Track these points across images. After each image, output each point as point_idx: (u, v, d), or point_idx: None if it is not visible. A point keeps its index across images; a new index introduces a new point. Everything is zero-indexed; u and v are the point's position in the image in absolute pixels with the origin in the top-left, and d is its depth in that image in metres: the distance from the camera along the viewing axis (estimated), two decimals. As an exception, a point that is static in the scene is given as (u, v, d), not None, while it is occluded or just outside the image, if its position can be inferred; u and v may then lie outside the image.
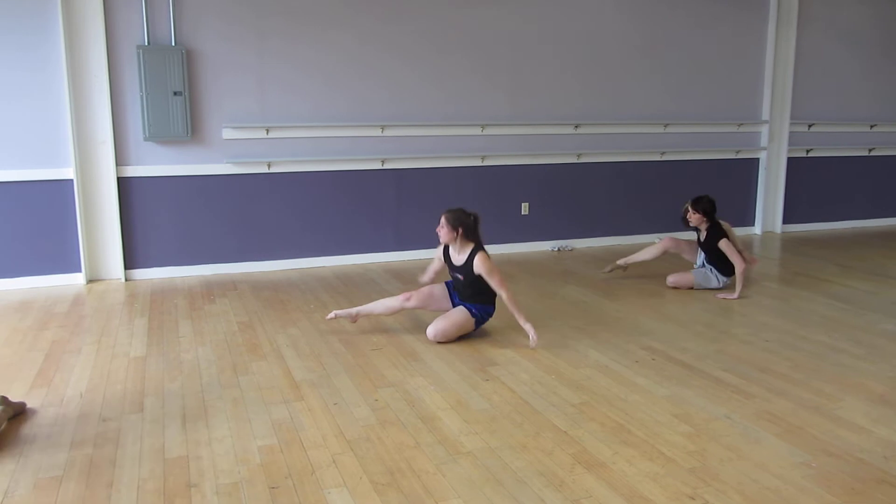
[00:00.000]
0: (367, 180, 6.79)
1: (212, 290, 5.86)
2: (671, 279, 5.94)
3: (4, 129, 5.70)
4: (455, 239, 4.59)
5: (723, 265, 5.79)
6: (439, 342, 4.54)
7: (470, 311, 4.56)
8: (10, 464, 3.02)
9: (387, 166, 6.82)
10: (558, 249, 7.50)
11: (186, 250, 6.32)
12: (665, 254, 6.12)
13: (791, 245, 7.88)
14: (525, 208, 7.39)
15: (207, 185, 6.30)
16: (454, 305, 4.72)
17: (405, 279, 6.20)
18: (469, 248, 4.55)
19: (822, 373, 4.08)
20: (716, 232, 5.75)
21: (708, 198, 5.82)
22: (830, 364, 4.22)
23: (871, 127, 8.86)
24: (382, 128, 6.71)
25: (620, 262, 6.22)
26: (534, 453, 3.14)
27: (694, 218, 5.82)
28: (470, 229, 4.57)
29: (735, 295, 5.60)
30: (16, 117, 5.71)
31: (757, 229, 8.50)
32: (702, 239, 5.89)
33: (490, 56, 7.00)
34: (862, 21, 8.59)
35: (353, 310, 4.75)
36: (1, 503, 2.75)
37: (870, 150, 8.92)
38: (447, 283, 4.81)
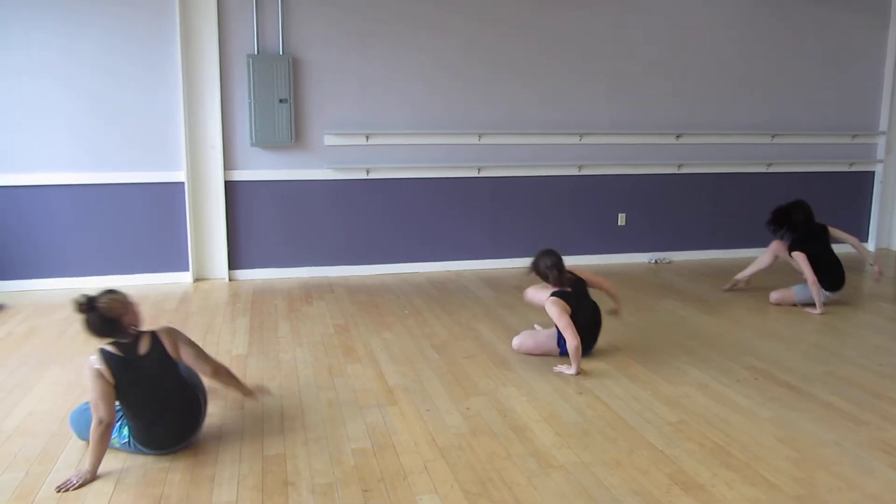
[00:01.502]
0: (463, 188, 6.82)
1: (309, 293, 6.02)
2: (774, 296, 5.70)
3: (123, 133, 6.03)
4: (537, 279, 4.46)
5: (828, 277, 5.51)
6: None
7: (558, 340, 4.43)
8: (118, 455, 3.18)
9: (483, 174, 6.83)
10: (655, 262, 7.32)
11: (286, 252, 6.52)
12: (777, 259, 5.86)
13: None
14: (622, 219, 7.25)
15: (308, 190, 6.48)
16: None
17: (498, 287, 6.19)
18: (548, 290, 4.39)
19: (944, 402, 3.81)
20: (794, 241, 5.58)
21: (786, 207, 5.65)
22: (953, 393, 3.94)
23: None
24: (479, 135, 6.73)
25: (739, 276, 6.06)
26: (628, 471, 3.07)
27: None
28: (540, 273, 4.40)
29: (818, 311, 5.38)
30: (134, 122, 6.04)
31: (871, 246, 8.04)
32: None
33: (589, 63, 6.91)
34: None
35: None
36: (112, 492, 2.90)
37: None
38: None
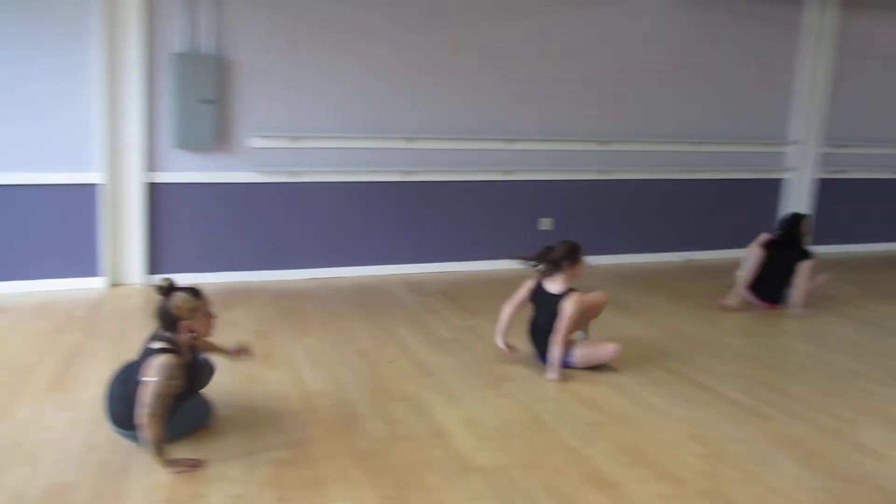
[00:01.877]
0: (391, 192, 6.81)
1: (231, 298, 5.89)
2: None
3: (36, 132, 5.76)
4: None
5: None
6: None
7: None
8: (23, 469, 3.05)
9: (411, 178, 6.84)
10: (580, 265, 7.44)
11: (208, 257, 6.38)
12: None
13: (818, 267, 7.74)
14: (546, 223, 7.36)
15: (233, 193, 6.35)
16: None
17: (423, 292, 6.20)
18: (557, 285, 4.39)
19: (842, 396, 4.01)
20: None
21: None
22: (850, 388, 4.14)
23: (904, 148, 8.71)
24: (408, 140, 6.74)
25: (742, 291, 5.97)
26: (545, 472, 3.12)
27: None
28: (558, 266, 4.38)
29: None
30: (48, 120, 5.78)
31: (783, 249, 8.37)
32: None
33: (519, 71, 6.99)
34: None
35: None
36: (12, 505, 2.78)
37: (903, 173, 8.77)
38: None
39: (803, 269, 5.74)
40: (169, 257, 6.26)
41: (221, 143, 6.22)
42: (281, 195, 6.49)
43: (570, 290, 4.31)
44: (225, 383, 4.03)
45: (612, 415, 3.71)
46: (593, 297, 4.46)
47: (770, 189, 8.26)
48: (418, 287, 6.38)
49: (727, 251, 8.05)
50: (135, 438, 3.13)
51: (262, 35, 6.19)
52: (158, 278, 3.30)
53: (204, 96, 5.98)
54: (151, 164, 6.09)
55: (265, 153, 6.38)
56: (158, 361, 3.07)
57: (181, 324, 3.21)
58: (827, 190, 8.40)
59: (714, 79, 7.73)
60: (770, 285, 5.82)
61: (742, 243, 8.16)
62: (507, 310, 4.51)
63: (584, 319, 4.42)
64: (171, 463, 3.04)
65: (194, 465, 3.08)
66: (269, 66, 6.25)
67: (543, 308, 4.34)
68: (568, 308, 4.17)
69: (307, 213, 6.58)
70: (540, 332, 4.35)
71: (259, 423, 3.54)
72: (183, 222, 6.26)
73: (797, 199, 8.31)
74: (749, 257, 5.95)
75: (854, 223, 8.70)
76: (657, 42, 7.43)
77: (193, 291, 3.27)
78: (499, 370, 4.33)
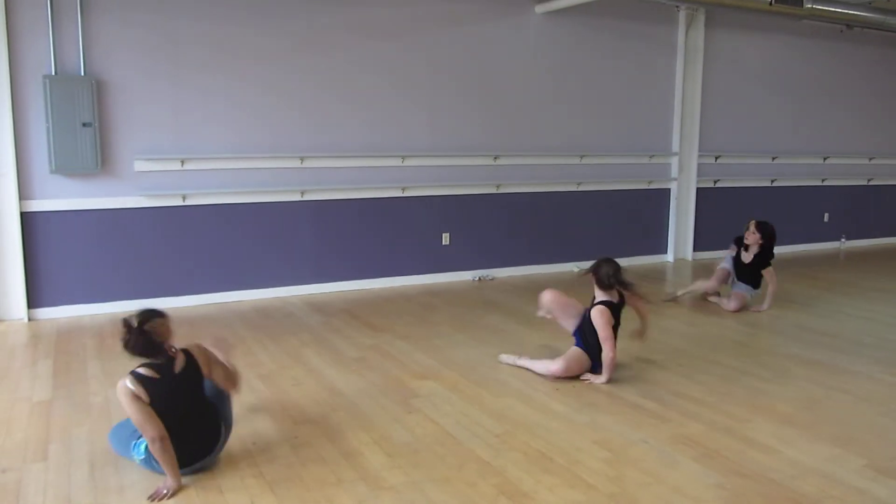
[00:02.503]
0: (287, 212, 6.70)
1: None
2: (733, 305, 6.26)
3: None
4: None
5: (754, 281, 6.43)
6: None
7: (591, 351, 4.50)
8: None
9: (306, 198, 6.75)
10: (479, 279, 7.56)
11: (96, 287, 6.07)
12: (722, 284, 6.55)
13: (701, 272, 8.17)
14: (446, 238, 7.44)
15: (119, 219, 6.09)
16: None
17: (326, 311, 6.12)
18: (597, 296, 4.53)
19: (734, 396, 4.23)
20: (767, 257, 6.40)
21: (772, 226, 6.47)
22: (741, 387, 4.38)
23: (773, 159, 9.34)
24: (302, 159, 6.66)
25: (680, 292, 6.75)
26: (457, 486, 3.13)
27: (752, 237, 6.40)
28: (600, 279, 4.48)
29: (765, 306, 6.26)
30: None
31: (669, 257, 8.79)
32: (746, 260, 6.44)
33: (410, 88, 7.06)
34: (764, 58, 9.09)
35: None
36: None
37: (772, 181, 9.39)
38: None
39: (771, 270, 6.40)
40: (52, 289, 5.94)
41: (104, 168, 5.96)
42: (171, 219, 6.27)
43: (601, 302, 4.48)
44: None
45: (520, 424, 3.78)
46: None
47: (657, 199, 8.67)
48: (321, 307, 6.30)
49: (621, 260, 8.34)
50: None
51: (142, 56, 6.00)
52: (122, 318, 3.17)
53: (81, 119, 5.72)
54: (26, 191, 5.77)
55: (151, 176, 6.15)
56: (118, 386, 3.06)
57: (165, 343, 3.20)
58: (706, 198, 8.90)
59: (601, 95, 8.06)
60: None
61: (632, 251, 8.60)
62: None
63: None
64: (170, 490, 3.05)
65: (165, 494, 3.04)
66: (152, 87, 6.06)
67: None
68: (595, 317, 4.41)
69: (200, 236, 6.38)
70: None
71: (160, 456, 3.39)
72: (67, 251, 5.95)
73: (683, 208, 8.75)
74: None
75: (731, 230, 9.22)
76: (543, 60, 7.68)
77: (154, 311, 3.23)
78: (407, 387, 4.32)
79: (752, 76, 9.05)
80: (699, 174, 8.77)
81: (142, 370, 3.10)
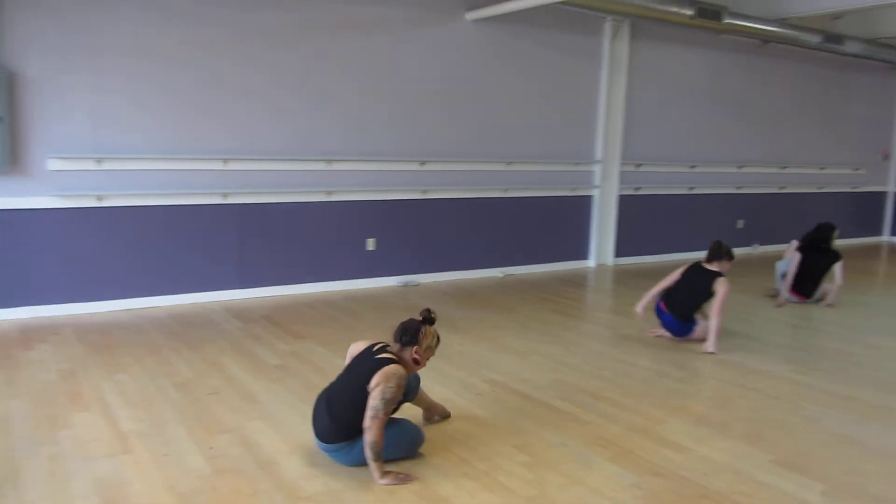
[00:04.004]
0: (208, 215, 6.53)
1: (29, 336, 5.38)
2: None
3: None
4: None
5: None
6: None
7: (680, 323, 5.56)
8: None
9: (229, 201, 6.60)
10: (405, 285, 7.54)
11: (2, 291, 5.78)
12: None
13: (622, 277, 8.37)
14: (371, 243, 7.39)
15: (28, 220, 5.81)
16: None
17: (246, 318, 5.99)
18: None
19: (650, 397, 4.33)
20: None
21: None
22: (657, 388, 4.49)
23: (692, 167, 9.64)
24: (225, 161, 6.50)
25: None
26: (376, 493, 3.10)
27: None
28: (729, 257, 5.55)
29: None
30: None
31: (591, 262, 8.96)
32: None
33: (337, 92, 6.99)
34: (685, 70, 9.38)
35: None
36: None
37: (690, 189, 9.69)
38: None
39: (838, 268, 6.91)
40: (-48, 294, 5.62)
41: (14, 166, 5.69)
42: (86, 221, 6.03)
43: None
44: (23, 430, 3.67)
45: (441, 430, 3.77)
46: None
47: (581, 205, 8.82)
48: (241, 313, 6.16)
49: (545, 265, 8.52)
50: (337, 454, 3.32)
51: (60, 49, 5.76)
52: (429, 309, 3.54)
53: (-10, 114, 5.45)
54: (-72, 190, 5.46)
55: (66, 176, 5.91)
56: (392, 369, 3.25)
57: (415, 349, 3.42)
58: (627, 205, 9.11)
59: (528, 102, 8.15)
60: (806, 284, 7.01)
61: (556, 257, 8.73)
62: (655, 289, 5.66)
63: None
64: (386, 473, 3.19)
65: (405, 478, 3.20)
66: (70, 82, 5.82)
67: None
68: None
69: (116, 239, 6.16)
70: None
71: (66, 470, 3.24)
72: (-31, 254, 5.65)
73: (606, 215, 8.93)
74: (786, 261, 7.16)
75: (652, 236, 9.49)
76: (473, 67, 7.72)
77: (438, 335, 3.54)
78: (328, 394, 4.26)
79: (673, 88, 9.33)
80: (621, 181, 8.98)
81: (403, 368, 3.32)
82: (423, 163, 7.54)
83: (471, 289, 6.91)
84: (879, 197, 12.37)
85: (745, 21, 8.58)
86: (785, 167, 10.71)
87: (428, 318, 3.49)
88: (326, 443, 3.32)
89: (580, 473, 3.31)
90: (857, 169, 11.81)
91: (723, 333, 5.79)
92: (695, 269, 5.60)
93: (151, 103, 6.16)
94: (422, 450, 3.49)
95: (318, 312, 6.26)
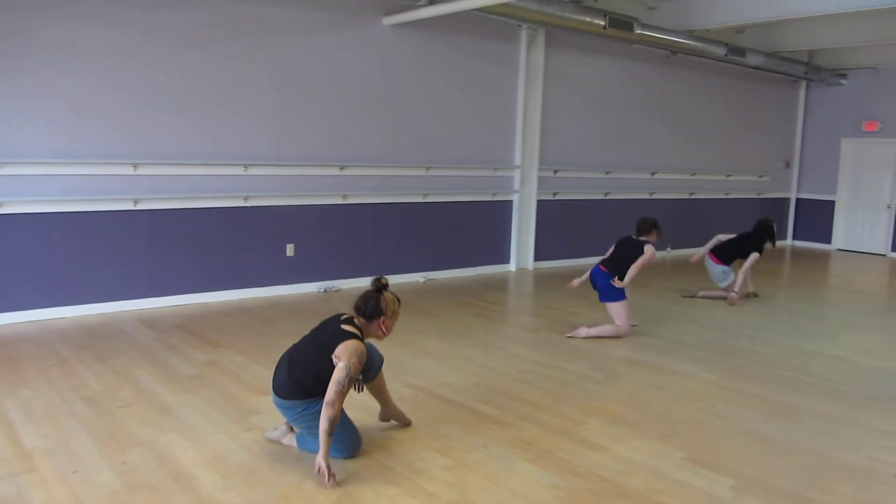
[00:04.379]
0: (118, 222, 6.29)
1: (-77, 351, 5.07)
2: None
3: None
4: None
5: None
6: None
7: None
8: None
9: (140, 207, 6.38)
10: (325, 290, 7.45)
11: None
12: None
13: (542, 280, 8.51)
14: (290, 249, 7.27)
15: (-82, 229, 5.48)
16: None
17: (159, 327, 5.80)
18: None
19: (570, 398, 4.41)
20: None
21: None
22: (576, 390, 4.58)
23: (607, 173, 9.90)
24: (135, 166, 6.28)
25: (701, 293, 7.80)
26: (296, 503, 3.04)
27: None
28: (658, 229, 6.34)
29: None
30: None
31: (512, 266, 9.07)
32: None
33: (254, 96, 6.85)
34: (599, 79, 9.63)
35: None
36: None
37: (606, 194, 9.95)
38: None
39: (752, 258, 7.54)
40: None
41: None
42: (-16, 229, 5.72)
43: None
44: None
45: (363, 436, 3.73)
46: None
47: (500, 210, 8.93)
48: (154, 323, 5.96)
49: (466, 270, 8.57)
50: (288, 411, 3.41)
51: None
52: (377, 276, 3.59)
53: None
54: None
55: (-39, 181, 5.59)
56: (354, 345, 3.31)
57: (381, 319, 3.47)
58: (545, 210, 9.28)
59: (447, 108, 8.20)
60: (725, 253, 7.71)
61: (477, 262, 8.80)
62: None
63: None
64: (328, 466, 3.18)
65: (333, 480, 3.17)
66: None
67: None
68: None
69: (16, 248, 5.86)
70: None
71: (-39, 492, 3.06)
72: None
73: (525, 219, 9.06)
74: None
75: (570, 240, 9.68)
76: (390, 72, 7.72)
77: (397, 297, 3.58)
78: (246, 403, 4.17)
79: (588, 95, 9.57)
80: (539, 187, 9.13)
81: (362, 343, 3.37)
82: (342, 167, 7.48)
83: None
84: (783, 203, 13.00)
85: (655, 32, 8.88)
86: (694, 174, 11.13)
87: (381, 286, 3.54)
88: (281, 398, 3.42)
89: (501, 475, 3.34)
90: (761, 176, 12.39)
91: (637, 335, 5.96)
92: (629, 240, 6.31)
93: (53, 106, 5.89)
94: (338, 459, 3.45)
95: (236, 320, 6.12)
